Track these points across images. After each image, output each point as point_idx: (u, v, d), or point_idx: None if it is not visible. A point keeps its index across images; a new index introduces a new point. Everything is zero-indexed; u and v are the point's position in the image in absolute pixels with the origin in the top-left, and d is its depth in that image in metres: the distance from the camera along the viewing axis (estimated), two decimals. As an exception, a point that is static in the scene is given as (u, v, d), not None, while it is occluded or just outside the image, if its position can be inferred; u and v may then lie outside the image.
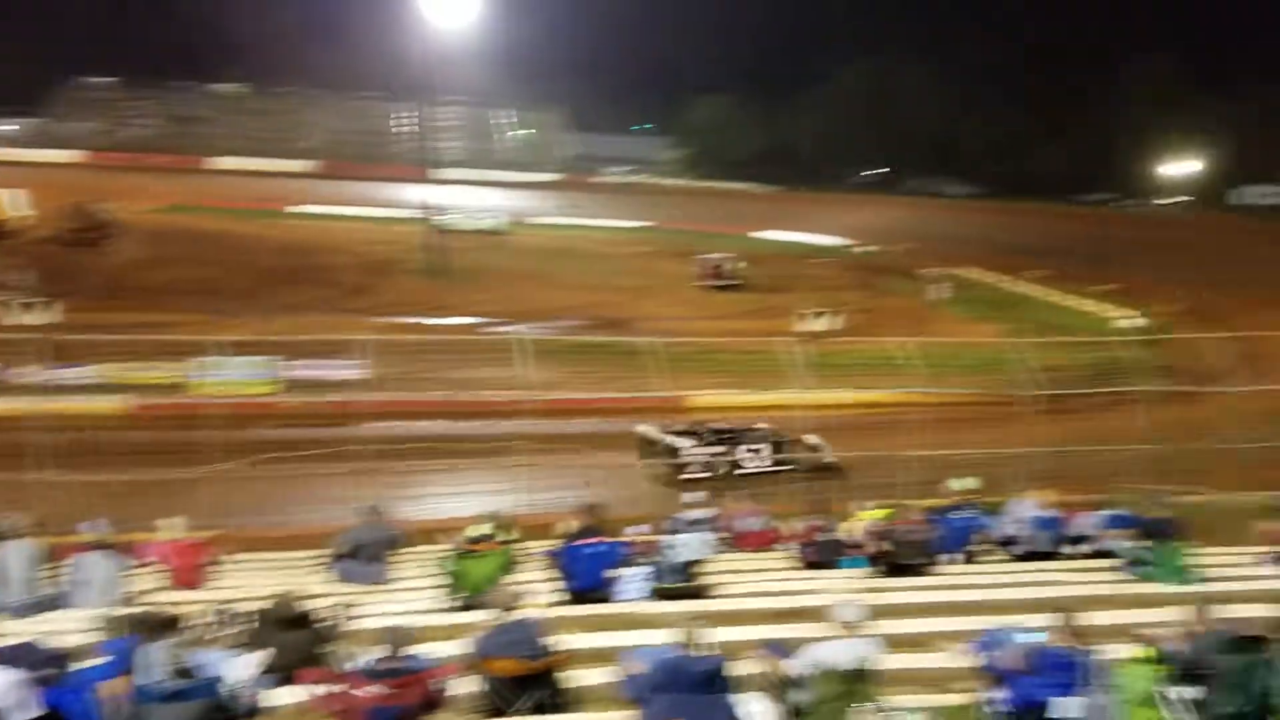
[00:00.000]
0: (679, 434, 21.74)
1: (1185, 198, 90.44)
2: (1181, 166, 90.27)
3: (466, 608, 9.39)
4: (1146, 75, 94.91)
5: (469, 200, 70.29)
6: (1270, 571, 11.21)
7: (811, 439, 21.34)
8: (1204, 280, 48.55)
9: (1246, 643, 6.62)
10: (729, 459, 21.49)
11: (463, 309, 38.84)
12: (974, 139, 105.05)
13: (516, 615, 7.14)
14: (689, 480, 19.71)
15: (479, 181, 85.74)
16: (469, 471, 19.43)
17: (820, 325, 35.64)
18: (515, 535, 11.53)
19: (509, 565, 10.04)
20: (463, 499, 18.54)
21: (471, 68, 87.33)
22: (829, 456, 21.39)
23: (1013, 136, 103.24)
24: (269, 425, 23.47)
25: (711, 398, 26.82)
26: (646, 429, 21.86)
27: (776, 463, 21.39)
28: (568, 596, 9.81)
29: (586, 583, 9.76)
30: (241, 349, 24.93)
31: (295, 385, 26.20)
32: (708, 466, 21.09)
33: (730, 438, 21.92)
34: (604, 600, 9.69)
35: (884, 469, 18.19)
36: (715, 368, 29.58)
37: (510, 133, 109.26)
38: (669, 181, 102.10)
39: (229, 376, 23.86)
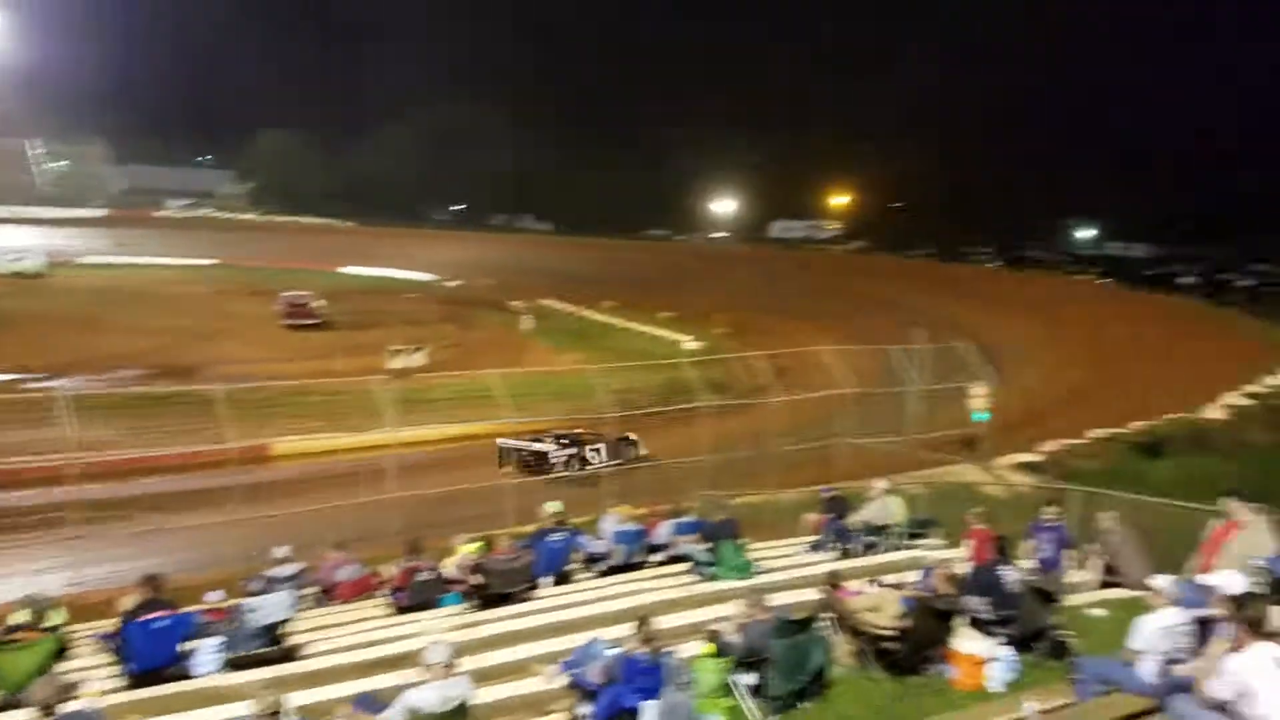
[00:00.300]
0: (538, 440, 23.46)
1: (728, 232, 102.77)
2: (724, 204, 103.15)
3: (5, 707, 8.11)
4: (695, 121, 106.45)
5: (-1, 240, 61.00)
6: (814, 558, 12.90)
7: (632, 436, 24.04)
8: (746, 304, 55.35)
9: (795, 625, 7.58)
10: (580, 458, 23.37)
11: (-9, 365, 33.32)
12: (546, 178, 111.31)
13: (68, 710, 6.27)
14: (554, 479, 21.11)
15: (10, 219, 74.66)
16: (6, 550, 16.64)
17: (410, 361, 35.33)
18: (62, 619, 10.14)
19: (55, 654, 8.81)
20: (1, 585, 15.91)
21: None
22: (643, 449, 24.03)
23: (581, 177, 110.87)
24: None
25: (297, 443, 25.41)
26: (505, 441, 23.21)
27: (613, 459, 23.44)
28: (127, 681, 8.76)
29: (151, 662, 8.76)
30: None
31: None
32: (567, 465, 22.94)
33: (576, 441, 23.77)
34: (179, 678, 8.77)
35: (484, 500, 18.45)
36: (300, 411, 28.10)
37: (48, 165, 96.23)
38: (238, 216, 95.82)
39: None
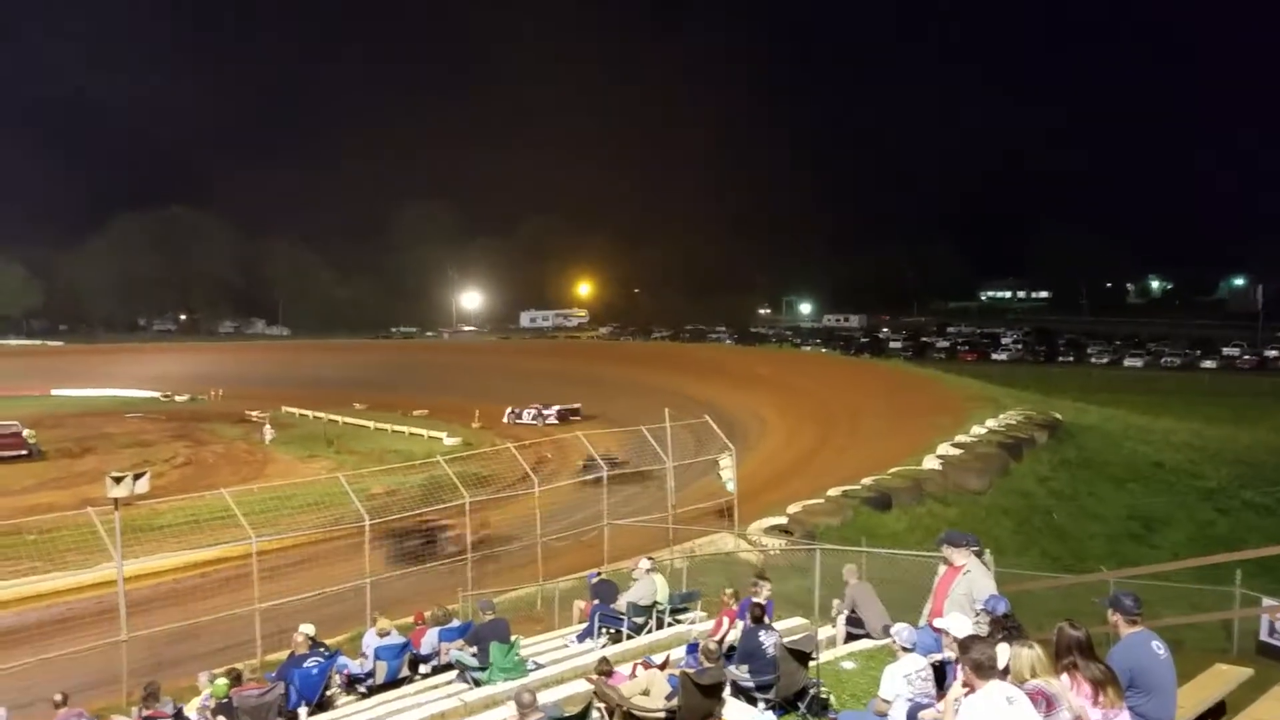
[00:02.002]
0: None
1: (476, 326, 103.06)
2: (471, 298, 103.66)
3: None
4: (433, 219, 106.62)
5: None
6: (585, 646, 12.93)
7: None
8: (497, 397, 55.35)
9: (569, 721, 7.59)
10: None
11: None
12: (275, 283, 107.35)
13: None
14: None
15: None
16: None
17: (137, 487, 32.42)
18: None
19: None
20: None
21: None
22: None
23: (317, 278, 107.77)
24: None
25: (14, 589, 22.60)
26: None
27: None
28: None
29: None
30: None
31: None
32: None
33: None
34: None
35: (228, 631, 17.12)
36: (13, 552, 25.05)
37: None
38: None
39: None
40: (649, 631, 12.97)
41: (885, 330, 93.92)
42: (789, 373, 52.78)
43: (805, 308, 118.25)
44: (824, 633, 11.43)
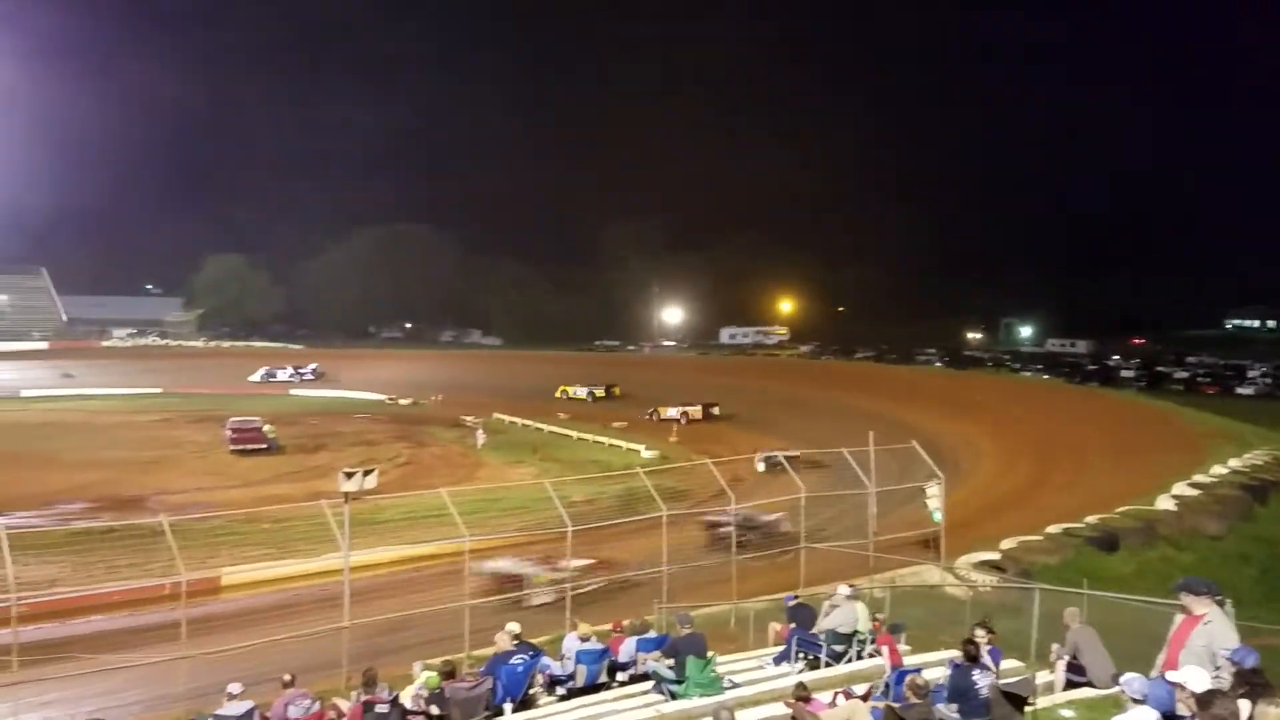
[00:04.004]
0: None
1: (677, 341, 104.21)
2: (673, 314, 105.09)
3: None
4: (638, 237, 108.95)
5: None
6: (780, 670, 12.72)
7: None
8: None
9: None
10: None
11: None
12: (494, 294, 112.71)
13: None
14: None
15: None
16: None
17: (362, 483, 34.77)
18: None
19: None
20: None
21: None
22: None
23: (530, 291, 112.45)
24: None
25: (250, 573, 24.71)
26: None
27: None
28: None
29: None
30: None
31: None
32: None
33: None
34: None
35: (439, 624, 17.98)
36: (250, 540, 27.46)
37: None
38: (185, 343, 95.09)
39: None
40: (848, 660, 12.59)
41: (1116, 358, 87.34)
42: (1007, 400, 50.22)
43: (1025, 331, 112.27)
44: (1040, 678, 10.71)
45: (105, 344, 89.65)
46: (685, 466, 31.95)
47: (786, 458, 27.02)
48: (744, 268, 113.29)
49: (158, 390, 69.56)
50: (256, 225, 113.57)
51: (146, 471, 40.05)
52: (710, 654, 11.62)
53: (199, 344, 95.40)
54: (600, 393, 69.84)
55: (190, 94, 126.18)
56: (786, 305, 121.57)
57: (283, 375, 73.90)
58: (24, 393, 64.17)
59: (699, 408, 57.61)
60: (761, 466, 34.73)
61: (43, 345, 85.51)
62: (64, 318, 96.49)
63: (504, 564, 22.72)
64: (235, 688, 11.17)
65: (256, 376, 73.62)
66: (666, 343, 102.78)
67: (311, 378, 73.86)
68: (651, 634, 12.89)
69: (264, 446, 45.75)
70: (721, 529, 23.23)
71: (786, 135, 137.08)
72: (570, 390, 70.02)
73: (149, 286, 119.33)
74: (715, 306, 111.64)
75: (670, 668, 11.27)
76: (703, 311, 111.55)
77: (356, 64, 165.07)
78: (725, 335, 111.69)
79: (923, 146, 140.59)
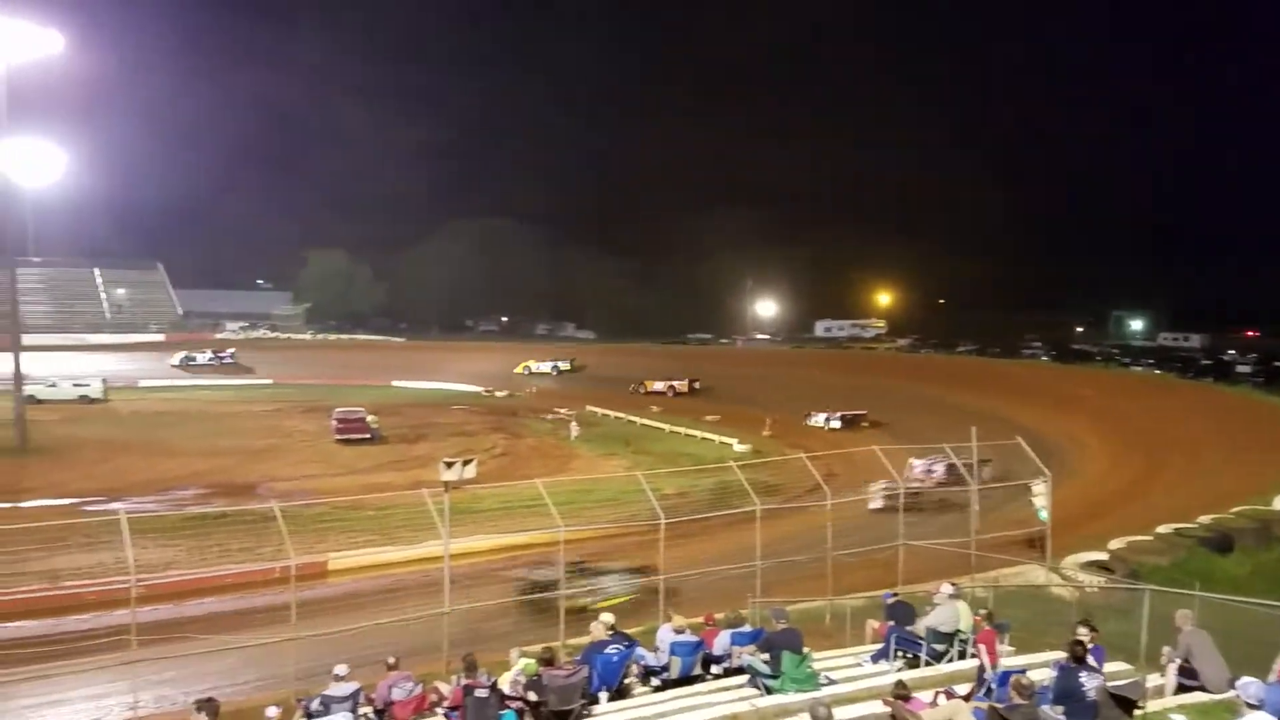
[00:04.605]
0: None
1: (771, 334, 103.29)
2: (767, 306, 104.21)
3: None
4: (730, 229, 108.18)
5: (60, 368, 63.25)
6: (878, 668, 12.52)
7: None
8: (789, 406, 55.12)
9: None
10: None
11: (55, 489, 34.07)
12: (585, 289, 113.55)
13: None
14: None
15: (72, 346, 77.31)
16: (69, 676, 16.73)
17: (462, 473, 35.49)
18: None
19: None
20: (63, 709, 16.04)
21: (61, 227, 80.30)
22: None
23: (622, 284, 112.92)
24: None
25: (355, 559, 25.52)
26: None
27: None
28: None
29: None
30: None
31: None
32: None
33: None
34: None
35: (535, 612, 18.28)
36: (354, 526, 28.33)
37: (109, 292, 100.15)
38: (293, 336, 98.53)
39: None
40: (949, 660, 12.31)
41: (1231, 352, 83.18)
42: (1115, 395, 48.43)
43: (1136, 324, 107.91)
44: (1150, 681, 10.32)
45: (218, 336, 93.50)
46: (778, 461, 31.69)
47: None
48: (841, 259, 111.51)
49: (268, 381, 72.23)
50: (361, 220, 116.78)
51: (257, 459, 41.64)
52: (806, 650, 11.51)
53: (306, 337, 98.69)
54: (565, 365, 78.42)
55: (297, 90, 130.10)
56: (884, 297, 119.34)
57: (201, 359, 76.29)
58: (142, 383, 67.32)
59: (685, 382, 67.94)
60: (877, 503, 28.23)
61: (160, 338, 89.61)
62: (180, 311, 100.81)
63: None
64: (341, 669, 11.50)
65: (175, 360, 76.05)
66: (759, 336, 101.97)
67: (230, 362, 76.54)
68: (746, 628, 12.82)
69: (368, 436, 47.05)
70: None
71: (885, 123, 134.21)
72: (532, 365, 78.14)
73: (260, 281, 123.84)
74: (810, 299, 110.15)
75: (766, 662, 11.19)
76: (797, 304, 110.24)
77: (452, 59, 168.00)
78: (820, 328, 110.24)
79: (1027, 131, 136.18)
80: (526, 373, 77.84)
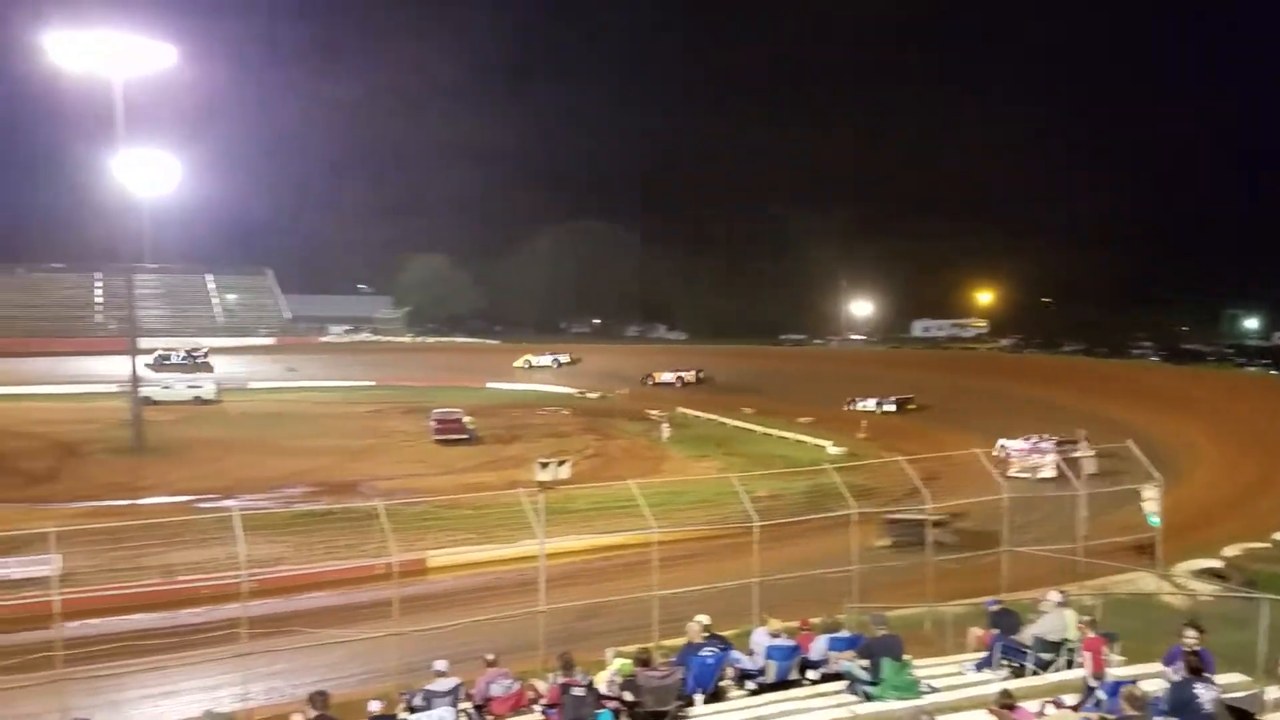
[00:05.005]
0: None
1: (866, 335, 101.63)
2: (862, 306, 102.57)
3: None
4: (824, 226, 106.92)
5: (175, 369, 66.31)
6: (981, 676, 12.20)
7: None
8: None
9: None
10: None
11: (170, 487, 35.70)
12: (676, 289, 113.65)
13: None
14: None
15: (188, 350, 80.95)
16: (182, 668, 17.52)
17: (556, 473, 35.93)
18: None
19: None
20: (177, 699, 16.70)
21: (175, 234, 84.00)
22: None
23: (714, 285, 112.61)
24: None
25: (453, 556, 26.08)
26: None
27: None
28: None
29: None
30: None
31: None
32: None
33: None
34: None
35: (629, 612, 18.35)
36: (453, 524, 28.94)
37: (220, 297, 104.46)
38: (394, 339, 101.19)
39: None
40: (1056, 670, 11.94)
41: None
42: (1230, 397, 46.24)
43: (1251, 323, 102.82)
44: (1269, 693, 9.83)
45: (323, 340, 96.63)
46: (875, 464, 31.18)
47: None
48: (940, 257, 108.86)
49: (370, 383, 74.30)
50: (459, 225, 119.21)
51: (359, 459, 42.88)
52: (907, 656, 11.31)
53: (406, 339, 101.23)
54: (566, 359, 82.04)
55: (396, 100, 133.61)
56: (985, 296, 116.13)
57: (175, 358, 77.28)
58: (251, 384, 69.97)
59: (692, 373, 72.62)
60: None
61: (269, 341, 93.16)
62: (287, 315, 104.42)
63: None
64: (441, 664, 11.74)
65: (150, 360, 75.83)
66: (854, 336, 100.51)
67: (203, 361, 77.70)
68: (844, 633, 12.64)
69: (465, 437, 48.00)
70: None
71: (984, 115, 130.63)
72: (532, 359, 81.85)
73: (362, 286, 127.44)
74: (907, 298, 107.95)
75: (865, 669, 11.03)
76: (894, 303, 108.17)
77: (543, 63, 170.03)
78: (918, 328, 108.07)
79: (1135, 122, 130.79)
80: (527, 366, 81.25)
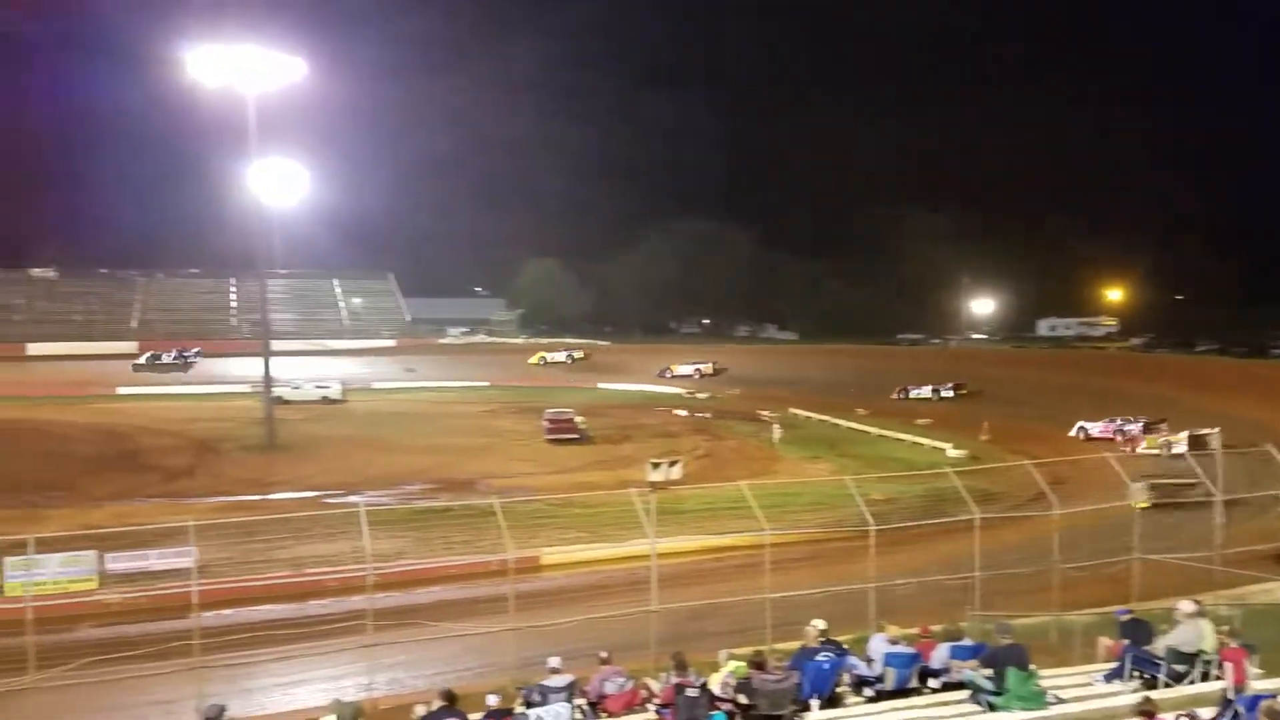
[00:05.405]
0: None
1: (988, 334, 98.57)
2: (983, 304, 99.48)
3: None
4: (945, 224, 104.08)
5: (305, 371, 69.14)
6: (1111, 688, 11.70)
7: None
8: (1009, 410, 52.42)
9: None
10: None
11: (299, 483, 37.25)
12: (787, 289, 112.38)
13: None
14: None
15: (314, 351, 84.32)
16: (310, 657, 18.26)
17: (668, 473, 36.09)
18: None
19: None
20: (306, 688, 17.41)
21: (304, 240, 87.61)
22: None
23: (826, 283, 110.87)
24: (92, 625, 21.54)
25: (565, 554, 26.45)
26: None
27: None
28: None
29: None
30: (58, 545, 23.07)
31: (119, 579, 24.18)
32: None
33: None
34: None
35: (741, 614, 18.25)
36: (565, 523, 29.34)
37: (345, 301, 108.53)
38: (508, 340, 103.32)
39: (45, 575, 21.79)
40: (1190, 682, 11.37)
41: None
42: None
43: None
44: None
45: (441, 341, 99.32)
46: (998, 468, 30.20)
47: None
48: (1066, 253, 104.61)
49: (485, 383, 75.98)
50: (571, 227, 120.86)
51: (475, 457, 43.86)
52: (1032, 666, 10.95)
53: (519, 341, 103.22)
54: (580, 355, 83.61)
55: (509, 107, 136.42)
56: (1115, 294, 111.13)
57: (167, 358, 79.45)
58: (374, 385, 72.38)
59: (709, 365, 76.58)
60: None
61: (390, 343, 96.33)
62: (407, 318, 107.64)
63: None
64: (555, 661, 11.92)
65: (142, 359, 79.05)
66: (975, 335, 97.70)
67: (194, 361, 79.48)
68: (967, 641, 12.28)
69: (576, 436, 48.56)
70: None
71: (1118, 110, 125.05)
72: (546, 355, 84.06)
73: (477, 289, 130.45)
74: (1032, 296, 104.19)
75: (989, 678, 10.72)
76: (1018, 301, 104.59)
77: (651, 66, 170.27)
78: (1044, 327, 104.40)
79: (1266, 112, 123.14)
80: (542, 363, 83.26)
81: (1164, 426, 38.61)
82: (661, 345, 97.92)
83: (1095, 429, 46.17)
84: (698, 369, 76.35)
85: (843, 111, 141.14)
